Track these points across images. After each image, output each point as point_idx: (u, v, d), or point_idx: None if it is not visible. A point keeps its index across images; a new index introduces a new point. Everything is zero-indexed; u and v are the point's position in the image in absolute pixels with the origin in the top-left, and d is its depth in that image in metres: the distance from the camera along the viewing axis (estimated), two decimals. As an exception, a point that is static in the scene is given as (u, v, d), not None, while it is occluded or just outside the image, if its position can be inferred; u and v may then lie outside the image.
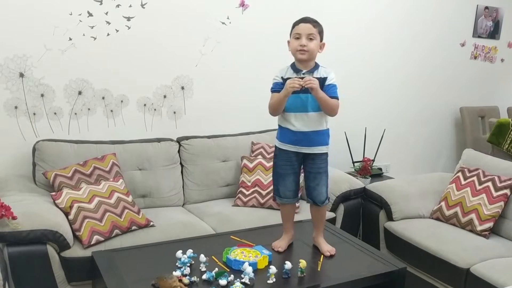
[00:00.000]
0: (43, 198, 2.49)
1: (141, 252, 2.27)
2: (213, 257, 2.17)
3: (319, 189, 2.30)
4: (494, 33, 4.70)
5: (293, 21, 2.25)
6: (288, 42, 2.25)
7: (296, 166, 2.31)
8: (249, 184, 3.06)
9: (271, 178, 2.98)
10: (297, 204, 2.69)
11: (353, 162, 3.86)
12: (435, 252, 2.63)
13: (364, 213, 3.21)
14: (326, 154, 2.30)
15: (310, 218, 2.45)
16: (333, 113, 2.22)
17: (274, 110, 2.25)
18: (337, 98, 2.21)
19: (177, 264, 2.08)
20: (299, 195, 2.57)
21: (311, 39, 2.17)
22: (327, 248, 2.34)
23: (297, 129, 2.22)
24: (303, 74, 2.19)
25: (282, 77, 2.24)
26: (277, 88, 2.25)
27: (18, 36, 2.71)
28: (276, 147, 2.33)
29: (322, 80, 2.19)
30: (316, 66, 2.24)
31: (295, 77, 2.16)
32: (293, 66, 2.25)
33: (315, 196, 2.32)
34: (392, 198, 3.02)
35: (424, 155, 4.63)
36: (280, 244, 2.35)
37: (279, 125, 2.32)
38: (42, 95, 2.85)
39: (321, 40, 2.22)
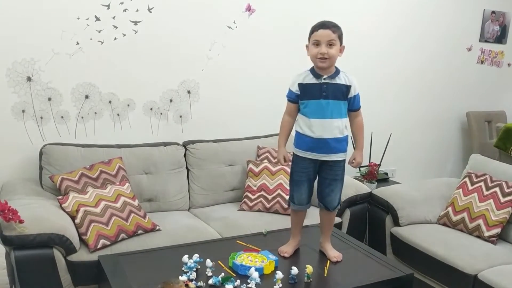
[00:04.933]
0: (50, 202, 2.50)
1: (147, 257, 2.27)
2: (219, 262, 2.16)
3: (333, 195, 2.28)
4: (501, 38, 4.69)
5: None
6: (307, 46, 2.18)
7: (311, 174, 2.27)
8: (255, 188, 3.05)
9: (277, 183, 3.01)
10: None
11: (359, 167, 3.85)
12: (442, 258, 2.61)
13: (370, 218, 3.19)
14: (344, 161, 2.27)
15: (316, 223, 2.44)
16: None
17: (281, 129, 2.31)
18: (359, 107, 2.25)
19: (183, 268, 2.08)
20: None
21: (331, 45, 2.10)
22: (333, 254, 2.32)
23: (317, 136, 2.17)
24: (324, 79, 2.15)
25: (300, 83, 2.18)
26: (292, 97, 2.22)
27: (26, 40, 2.72)
28: (293, 153, 2.29)
29: (346, 88, 2.17)
30: (337, 71, 2.18)
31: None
32: (312, 71, 2.18)
33: (328, 202, 2.30)
34: (399, 203, 3.00)
35: (430, 160, 4.61)
36: (287, 249, 2.34)
37: (296, 131, 2.26)
38: (49, 99, 2.86)
39: (341, 43, 2.15)
